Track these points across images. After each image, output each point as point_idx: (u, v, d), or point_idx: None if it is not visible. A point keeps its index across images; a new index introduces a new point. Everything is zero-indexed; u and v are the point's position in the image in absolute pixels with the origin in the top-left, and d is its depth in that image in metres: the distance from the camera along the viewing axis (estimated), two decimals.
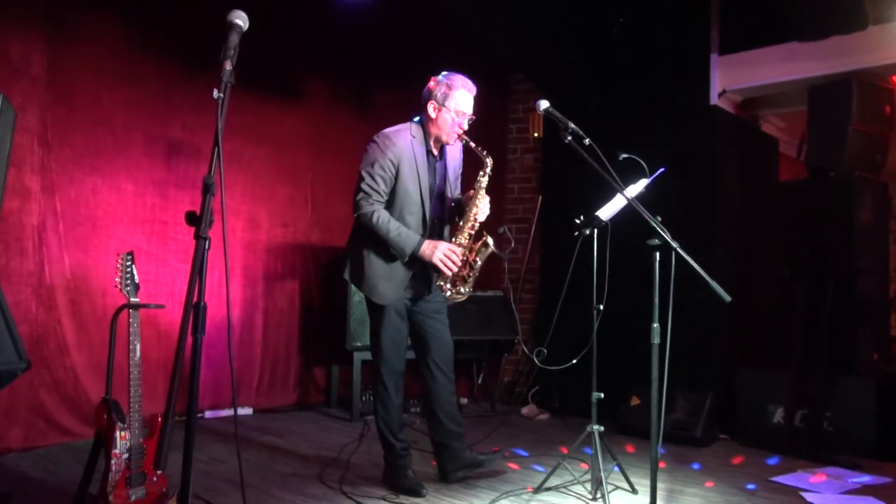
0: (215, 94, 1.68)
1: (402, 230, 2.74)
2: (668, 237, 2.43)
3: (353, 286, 3.10)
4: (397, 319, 2.86)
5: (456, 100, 2.81)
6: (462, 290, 2.86)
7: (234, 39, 1.76)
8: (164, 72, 3.99)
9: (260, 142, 4.47)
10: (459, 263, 2.79)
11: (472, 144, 2.83)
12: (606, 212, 3.05)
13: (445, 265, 2.75)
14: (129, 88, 3.84)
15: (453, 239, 2.84)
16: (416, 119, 2.92)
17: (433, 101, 2.82)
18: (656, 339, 2.50)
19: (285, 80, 4.63)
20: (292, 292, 4.67)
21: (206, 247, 1.61)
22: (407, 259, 2.76)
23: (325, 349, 4.76)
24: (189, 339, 1.58)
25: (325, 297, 4.80)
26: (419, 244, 2.74)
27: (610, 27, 4.67)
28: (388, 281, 2.80)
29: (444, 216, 2.95)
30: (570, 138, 2.61)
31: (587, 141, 2.60)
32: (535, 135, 5.56)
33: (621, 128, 4.52)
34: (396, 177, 2.79)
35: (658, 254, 2.51)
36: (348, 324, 4.41)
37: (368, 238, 2.81)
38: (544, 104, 2.68)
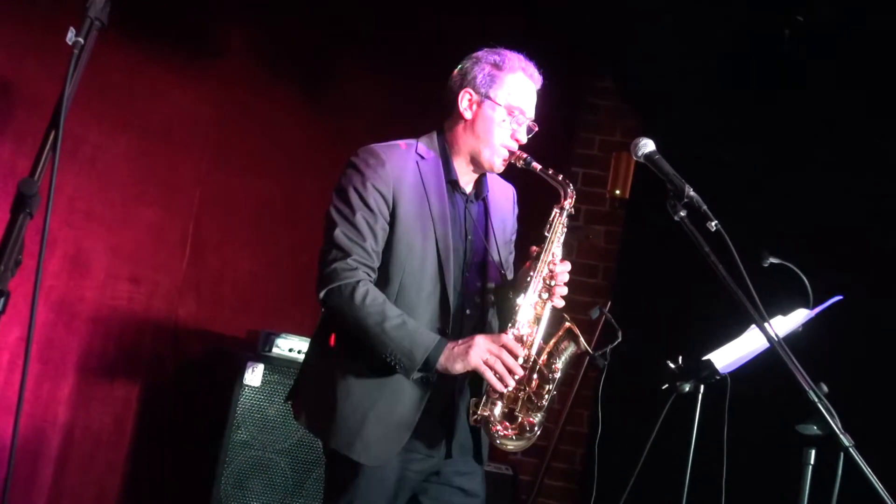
0: (70, 36, 1.71)
1: (409, 321, 2.72)
2: (835, 425, 2.43)
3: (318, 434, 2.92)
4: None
5: (509, 88, 2.88)
6: (525, 425, 2.78)
7: None
8: None
9: (119, 124, 4.54)
10: (519, 370, 2.72)
11: (537, 167, 2.87)
12: (727, 357, 3.07)
13: (496, 371, 2.69)
14: None
15: (509, 326, 2.81)
16: (434, 134, 2.97)
17: (468, 90, 2.89)
18: None
19: (176, 21, 4.72)
20: (125, 403, 4.65)
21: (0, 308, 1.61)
22: (415, 374, 2.73)
23: None
24: None
25: (183, 421, 4.76)
26: (438, 346, 2.70)
27: (779, 26, 4.79)
28: (380, 420, 2.74)
29: (485, 305, 2.95)
30: (683, 213, 2.65)
31: (713, 224, 2.63)
32: (617, 192, 5.65)
33: (777, 202, 4.58)
34: (392, 223, 2.80)
35: (814, 452, 2.52)
36: (217, 480, 4.36)
37: (345, 339, 2.80)
38: (647, 146, 2.71)
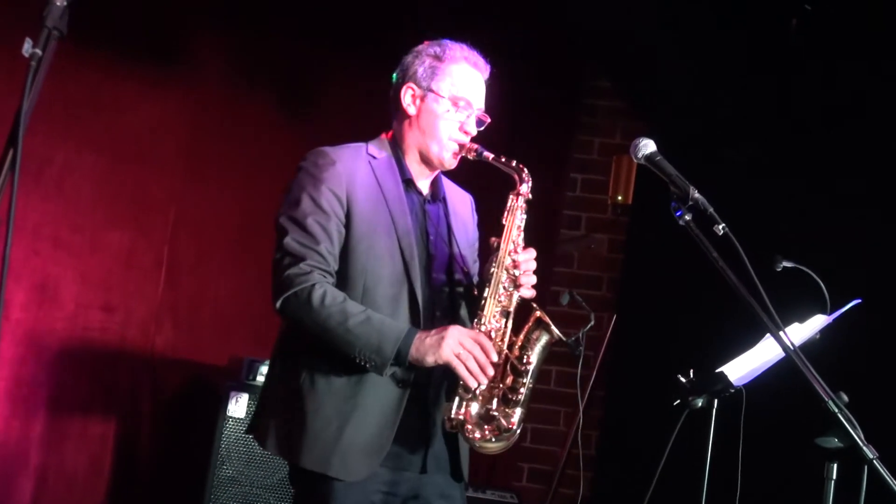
0: (27, 48, 1.70)
1: (373, 315, 2.74)
2: (857, 437, 2.42)
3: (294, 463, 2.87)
4: None
5: (452, 78, 2.93)
6: (503, 423, 2.78)
7: None
8: None
9: (85, 142, 4.55)
10: (491, 370, 2.73)
11: (489, 156, 2.90)
12: (741, 368, 3.06)
13: (468, 367, 2.71)
14: None
15: (474, 322, 2.84)
16: (382, 135, 3.02)
17: (410, 85, 2.95)
18: None
19: (144, 29, 4.73)
20: (101, 441, 4.63)
21: None
22: (388, 369, 2.73)
23: None
24: None
25: (164, 458, 4.76)
26: (408, 336, 2.73)
27: (784, 13, 4.77)
28: (357, 431, 2.74)
29: (455, 303, 2.97)
30: (688, 217, 2.64)
31: (721, 227, 2.63)
32: (619, 198, 5.65)
33: (789, 203, 4.58)
34: (348, 223, 2.82)
35: (836, 466, 2.51)
36: None
37: (308, 350, 2.80)
38: (647, 146, 2.71)
